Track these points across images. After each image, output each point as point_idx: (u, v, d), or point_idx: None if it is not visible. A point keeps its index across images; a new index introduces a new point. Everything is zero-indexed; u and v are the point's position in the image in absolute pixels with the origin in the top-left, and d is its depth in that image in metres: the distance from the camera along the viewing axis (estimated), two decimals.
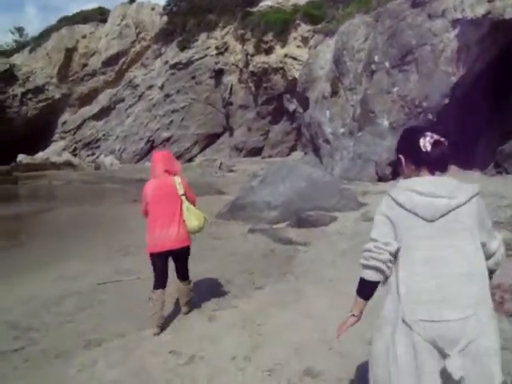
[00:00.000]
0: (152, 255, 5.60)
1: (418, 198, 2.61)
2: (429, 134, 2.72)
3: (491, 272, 2.80)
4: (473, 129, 16.34)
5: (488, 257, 2.72)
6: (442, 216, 2.57)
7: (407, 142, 2.83)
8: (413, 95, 16.70)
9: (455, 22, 15.50)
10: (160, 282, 5.64)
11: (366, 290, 2.83)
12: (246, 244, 9.99)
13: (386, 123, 17.51)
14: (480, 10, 14.59)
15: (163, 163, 5.72)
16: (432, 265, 2.56)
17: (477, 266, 2.59)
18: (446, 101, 16.27)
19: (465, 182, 2.73)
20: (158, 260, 5.59)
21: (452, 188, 2.63)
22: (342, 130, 19.40)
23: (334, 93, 20.38)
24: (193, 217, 5.62)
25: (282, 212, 11.86)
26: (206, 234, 11.39)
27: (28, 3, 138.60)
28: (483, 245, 2.67)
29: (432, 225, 2.58)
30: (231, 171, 29.82)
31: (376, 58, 18.29)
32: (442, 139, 2.72)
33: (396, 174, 16.10)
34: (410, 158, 2.78)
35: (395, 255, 2.68)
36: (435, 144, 2.69)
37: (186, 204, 5.65)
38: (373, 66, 18.42)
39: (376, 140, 17.56)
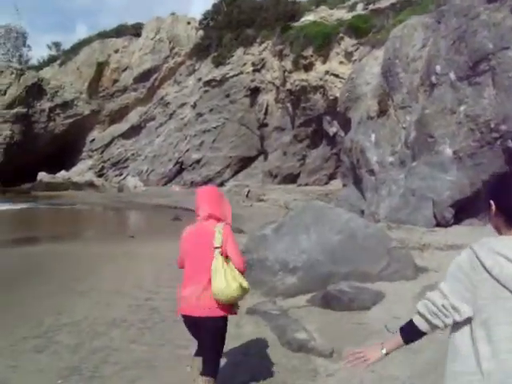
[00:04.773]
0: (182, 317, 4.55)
1: (507, 265, 2.15)
2: None
3: None
4: None
5: None
6: None
7: (506, 188, 2.30)
8: (487, 116, 12.97)
9: None
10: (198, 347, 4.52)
11: (415, 336, 2.43)
12: (231, 346, 5.71)
13: (448, 151, 14.04)
14: None
15: (208, 204, 4.45)
16: None
17: None
18: None
19: None
20: (186, 325, 4.46)
21: None
22: (390, 159, 15.93)
23: (382, 112, 16.76)
24: (221, 278, 4.13)
25: (303, 278, 8.35)
26: None
27: (79, 22, 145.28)
28: None
29: None
30: (260, 200, 27.05)
31: (437, 68, 14.64)
32: None
33: (459, 218, 13.69)
34: (504, 209, 2.26)
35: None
36: None
37: (218, 260, 4.20)
38: (433, 79, 14.77)
39: (435, 173, 14.17)
